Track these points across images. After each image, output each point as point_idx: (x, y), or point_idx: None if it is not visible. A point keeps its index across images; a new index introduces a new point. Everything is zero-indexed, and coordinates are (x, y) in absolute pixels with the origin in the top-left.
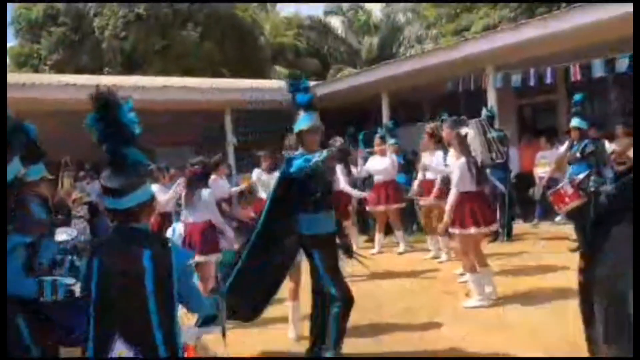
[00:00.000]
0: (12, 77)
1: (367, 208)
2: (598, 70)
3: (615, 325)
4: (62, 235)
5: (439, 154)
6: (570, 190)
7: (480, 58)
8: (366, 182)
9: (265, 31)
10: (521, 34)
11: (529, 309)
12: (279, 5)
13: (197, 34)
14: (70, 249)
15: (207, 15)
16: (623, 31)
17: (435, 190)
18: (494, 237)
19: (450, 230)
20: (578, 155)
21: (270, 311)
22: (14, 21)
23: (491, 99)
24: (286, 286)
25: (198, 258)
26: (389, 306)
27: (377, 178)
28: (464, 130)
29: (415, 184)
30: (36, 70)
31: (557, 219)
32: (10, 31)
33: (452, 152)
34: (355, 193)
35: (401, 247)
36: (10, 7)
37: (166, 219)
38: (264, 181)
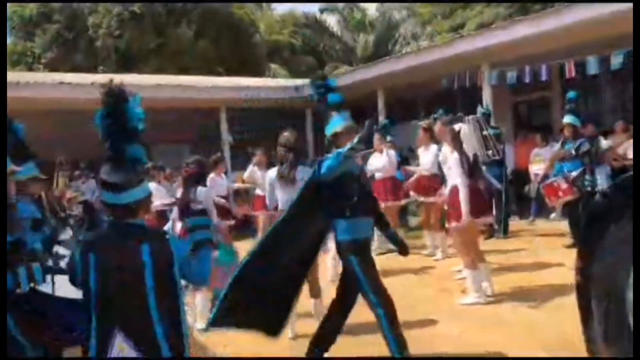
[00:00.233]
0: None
1: None
2: (593, 67)
3: (615, 324)
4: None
5: (434, 148)
6: (564, 185)
7: (475, 55)
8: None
9: (261, 29)
10: (516, 31)
11: (526, 305)
12: (275, 4)
13: (192, 32)
14: (54, 239)
15: (202, 13)
16: (617, 28)
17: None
18: (490, 233)
19: (448, 226)
20: (573, 152)
21: None
22: (7, 19)
23: (486, 96)
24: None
25: None
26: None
27: (377, 175)
28: (457, 127)
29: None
30: (30, 68)
31: (552, 215)
32: None
33: (444, 147)
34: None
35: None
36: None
37: (163, 218)
38: (258, 179)
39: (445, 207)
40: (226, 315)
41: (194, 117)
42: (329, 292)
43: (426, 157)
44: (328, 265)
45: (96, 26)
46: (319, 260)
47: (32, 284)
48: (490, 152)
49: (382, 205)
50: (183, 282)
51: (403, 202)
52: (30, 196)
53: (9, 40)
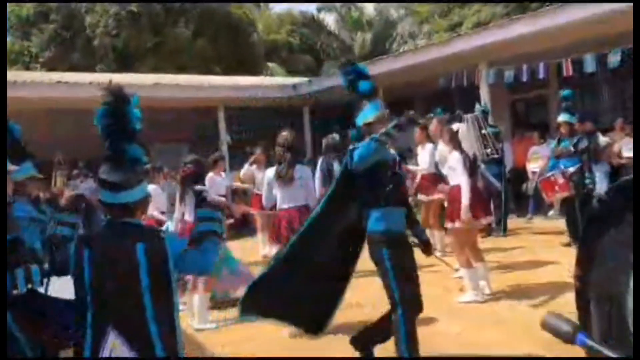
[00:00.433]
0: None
1: None
2: (590, 65)
3: (615, 328)
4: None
5: (430, 147)
6: (561, 180)
7: (473, 54)
8: None
9: (259, 28)
10: (513, 29)
11: (524, 304)
12: (272, 3)
13: (190, 31)
14: (49, 239)
15: (200, 12)
16: (615, 26)
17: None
18: (488, 232)
19: (447, 225)
20: (571, 149)
21: None
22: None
23: (484, 94)
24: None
25: None
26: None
27: None
28: (455, 126)
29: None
30: (27, 68)
31: (550, 213)
32: None
33: (440, 146)
34: None
35: None
36: None
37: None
38: (254, 177)
39: (445, 204)
40: (253, 303)
41: (192, 116)
42: None
43: (423, 156)
44: None
45: (93, 25)
46: None
47: (29, 286)
48: (488, 150)
49: None
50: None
51: None
52: (27, 196)
53: None
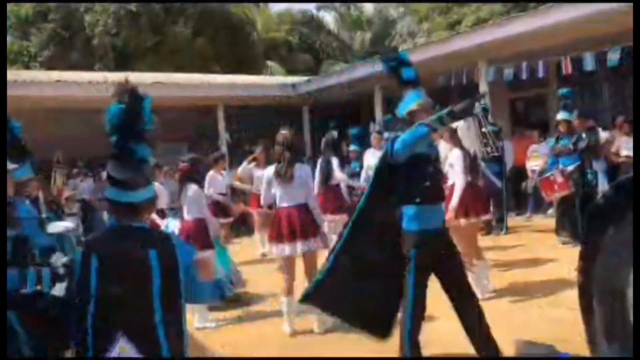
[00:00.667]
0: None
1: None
2: (589, 63)
3: (617, 322)
4: (57, 227)
5: None
6: (560, 179)
7: (472, 52)
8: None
9: (258, 27)
10: (512, 27)
11: (523, 301)
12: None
13: (189, 31)
14: (55, 245)
15: (200, 11)
16: (614, 24)
17: None
18: (488, 230)
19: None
20: (570, 147)
21: (264, 306)
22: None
23: (483, 92)
24: (280, 282)
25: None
26: None
27: (371, 173)
28: (455, 124)
29: None
30: (27, 67)
31: (550, 211)
32: None
33: (442, 144)
34: (354, 183)
35: None
36: None
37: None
38: (256, 176)
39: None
40: (318, 295)
41: (191, 115)
42: None
43: None
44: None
45: (93, 25)
46: (319, 255)
47: (38, 287)
48: (488, 148)
49: None
50: None
51: None
52: (27, 196)
53: None
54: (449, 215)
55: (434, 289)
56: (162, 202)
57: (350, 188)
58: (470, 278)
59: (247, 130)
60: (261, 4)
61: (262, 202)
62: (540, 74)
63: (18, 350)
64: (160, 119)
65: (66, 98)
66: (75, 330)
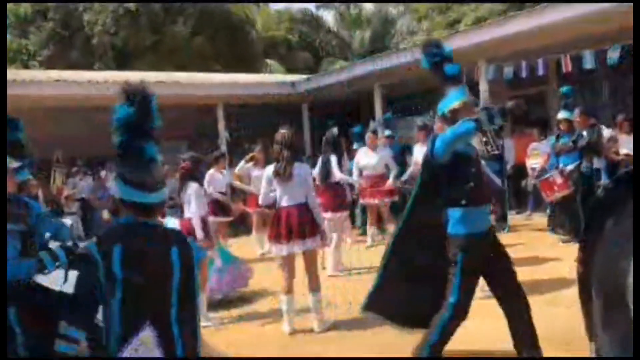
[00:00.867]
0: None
1: (361, 201)
2: (589, 61)
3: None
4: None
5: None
6: (559, 180)
7: (471, 51)
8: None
9: (257, 25)
10: (511, 26)
11: None
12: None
13: (188, 30)
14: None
15: (199, 10)
16: (614, 23)
17: None
18: None
19: None
20: (571, 144)
21: (264, 305)
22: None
23: (483, 91)
24: (280, 280)
25: None
26: (360, 300)
27: (367, 173)
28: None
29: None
30: (26, 66)
31: (549, 210)
32: None
33: None
34: (354, 180)
35: (368, 241)
36: None
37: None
38: (254, 175)
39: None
40: (377, 303)
41: (191, 114)
42: (329, 287)
43: (421, 153)
44: (328, 258)
45: (92, 23)
46: (319, 253)
47: (57, 263)
48: (489, 147)
49: (377, 201)
50: None
51: (387, 200)
52: (27, 195)
53: None
54: None
55: None
56: None
57: (351, 186)
58: None
59: (246, 129)
60: (261, 3)
61: (260, 201)
62: (540, 72)
63: (14, 350)
64: (161, 117)
65: (65, 97)
66: (77, 329)
